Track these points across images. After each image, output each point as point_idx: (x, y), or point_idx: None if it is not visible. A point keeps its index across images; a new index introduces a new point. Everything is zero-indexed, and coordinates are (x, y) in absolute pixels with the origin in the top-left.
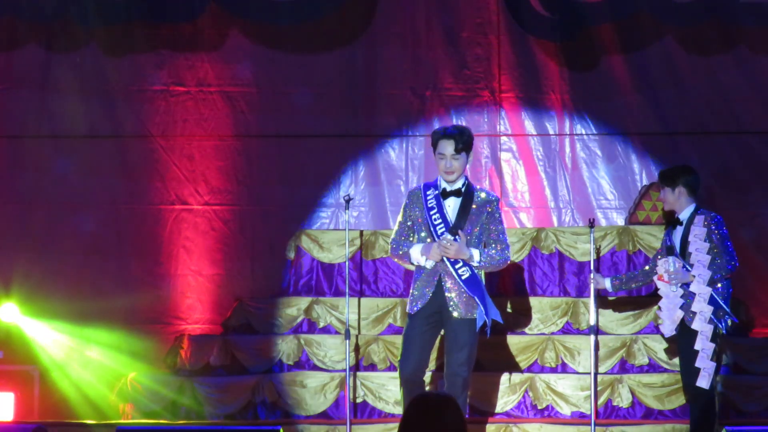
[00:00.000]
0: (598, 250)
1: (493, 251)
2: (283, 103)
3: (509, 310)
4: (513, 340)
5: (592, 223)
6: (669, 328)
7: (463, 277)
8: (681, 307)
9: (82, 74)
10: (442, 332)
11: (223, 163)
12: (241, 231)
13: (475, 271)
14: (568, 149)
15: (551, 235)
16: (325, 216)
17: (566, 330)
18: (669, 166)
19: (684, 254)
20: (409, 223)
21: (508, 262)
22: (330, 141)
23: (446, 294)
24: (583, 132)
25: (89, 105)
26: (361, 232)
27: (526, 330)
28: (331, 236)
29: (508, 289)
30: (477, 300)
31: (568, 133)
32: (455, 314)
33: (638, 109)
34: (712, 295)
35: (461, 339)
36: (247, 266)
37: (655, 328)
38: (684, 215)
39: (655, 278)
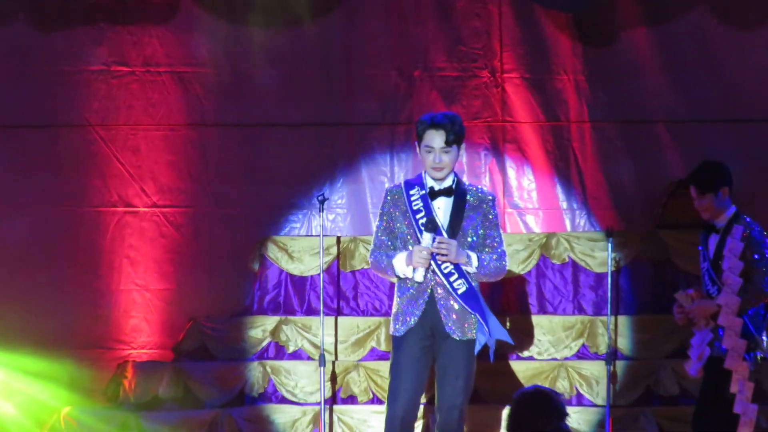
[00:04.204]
0: (617, 262)
1: (490, 257)
2: (246, 86)
3: (514, 330)
4: (519, 367)
5: (610, 233)
6: (694, 366)
7: (459, 291)
8: (709, 343)
9: (7, 52)
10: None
11: (174, 157)
12: (196, 238)
13: (473, 282)
14: (583, 140)
15: (563, 241)
16: (296, 219)
17: (582, 354)
18: (702, 168)
19: (717, 269)
20: (389, 229)
21: (506, 271)
22: (301, 131)
23: (439, 311)
24: (601, 119)
25: (15, 89)
26: (338, 239)
27: (535, 354)
28: (302, 243)
29: (513, 305)
30: (478, 317)
31: (582, 120)
32: (450, 335)
33: (665, 91)
34: (745, 323)
35: (457, 364)
36: (203, 280)
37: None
38: (721, 222)
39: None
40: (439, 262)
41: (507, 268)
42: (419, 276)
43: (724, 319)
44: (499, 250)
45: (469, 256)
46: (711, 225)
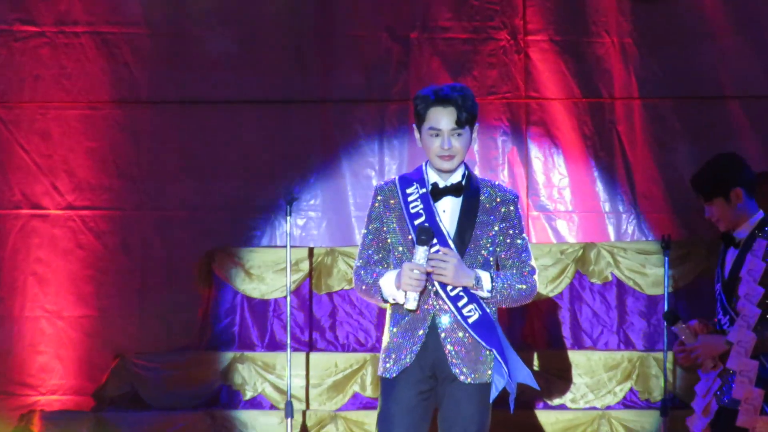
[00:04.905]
0: (676, 281)
1: (512, 275)
2: (192, 52)
3: (541, 371)
4: (548, 418)
5: (667, 243)
6: (698, 424)
7: (469, 320)
8: (717, 393)
9: None
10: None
11: (96, 144)
12: (125, 249)
13: (487, 308)
14: (631, 121)
15: (605, 254)
16: (255, 225)
17: (629, 402)
18: (705, 167)
19: (731, 293)
20: (380, 239)
21: (535, 293)
22: (262, 110)
23: (443, 346)
24: (654, 95)
25: None
26: (311, 251)
27: (568, 402)
28: (264, 257)
29: (540, 338)
30: (494, 353)
31: (630, 96)
32: (457, 377)
33: (738, 59)
34: (763, 366)
35: (467, 415)
36: (134, 304)
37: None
38: (743, 232)
39: None
40: (443, 283)
41: (537, 288)
42: (411, 303)
43: (735, 362)
44: (525, 264)
45: (478, 278)
46: (730, 236)
